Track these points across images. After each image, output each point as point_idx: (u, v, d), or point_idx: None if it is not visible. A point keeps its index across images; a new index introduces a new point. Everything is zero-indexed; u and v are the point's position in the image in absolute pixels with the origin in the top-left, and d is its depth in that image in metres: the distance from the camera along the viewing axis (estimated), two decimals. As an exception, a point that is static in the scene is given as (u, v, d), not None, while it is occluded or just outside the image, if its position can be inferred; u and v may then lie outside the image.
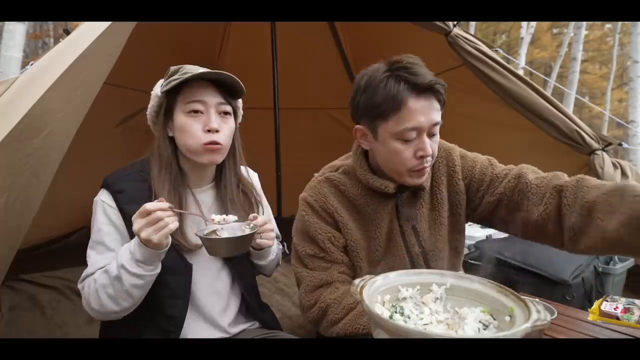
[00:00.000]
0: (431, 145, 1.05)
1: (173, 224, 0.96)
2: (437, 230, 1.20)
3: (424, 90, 1.01)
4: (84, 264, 1.07)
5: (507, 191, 1.10)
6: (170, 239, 1.00)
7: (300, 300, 1.17)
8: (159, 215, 0.93)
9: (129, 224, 1.05)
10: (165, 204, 0.95)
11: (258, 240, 1.13)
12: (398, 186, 1.13)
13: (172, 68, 1.10)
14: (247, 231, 1.06)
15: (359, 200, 1.16)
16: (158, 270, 1.02)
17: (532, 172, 1.12)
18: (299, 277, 1.18)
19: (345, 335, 1.06)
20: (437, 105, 1.04)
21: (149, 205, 0.93)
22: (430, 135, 1.06)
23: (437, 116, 1.04)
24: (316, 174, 1.25)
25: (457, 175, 1.19)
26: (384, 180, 1.12)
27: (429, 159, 1.06)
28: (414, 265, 1.18)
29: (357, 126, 1.13)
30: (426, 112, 1.01)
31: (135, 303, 1.03)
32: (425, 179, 1.12)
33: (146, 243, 0.94)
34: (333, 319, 1.08)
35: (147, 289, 1.02)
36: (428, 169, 1.10)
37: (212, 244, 1.02)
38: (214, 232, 1.06)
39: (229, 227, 1.08)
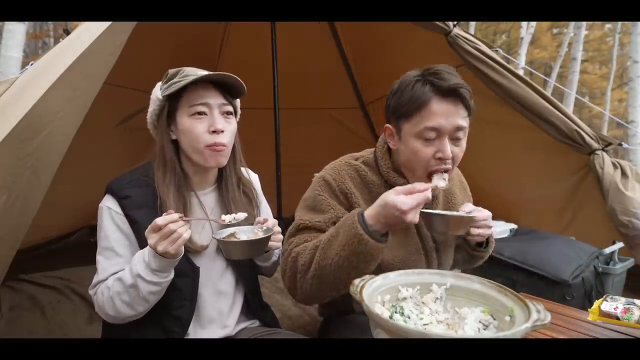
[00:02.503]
0: (453, 150, 1.07)
1: (186, 233, 0.97)
2: None
3: (448, 93, 1.04)
4: (84, 263, 1.08)
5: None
6: (183, 246, 1.00)
7: (280, 267, 1.16)
8: (171, 228, 0.94)
9: (135, 229, 1.06)
10: (175, 215, 0.95)
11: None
12: None
13: (171, 71, 1.10)
14: (260, 234, 1.06)
15: (377, 187, 1.18)
16: (172, 275, 1.03)
17: None
18: (286, 248, 1.15)
19: (321, 275, 1.01)
20: (462, 112, 1.06)
21: (159, 220, 0.94)
22: (453, 139, 1.07)
23: (460, 121, 1.05)
24: (317, 174, 1.25)
25: (467, 190, 1.38)
26: (404, 179, 1.16)
27: (449, 162, 1.08)
28: (427, 258, 1.21)
29: (387, 125, 1.17)
30: (448, 115, 1.04)
31: (150, 306, 1.04)
32: (446, 185, 1.11)
33: (164, 255, 0.95)
34: (303, 262, 1.05)
35: (162, 293, 1.03)
36: (446, 174, 1.10)
37: (230, 247, 1.03)
38: (232, 235, 1.07)
39: (242, 230, 1.09)
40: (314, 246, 1.05)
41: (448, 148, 1.05)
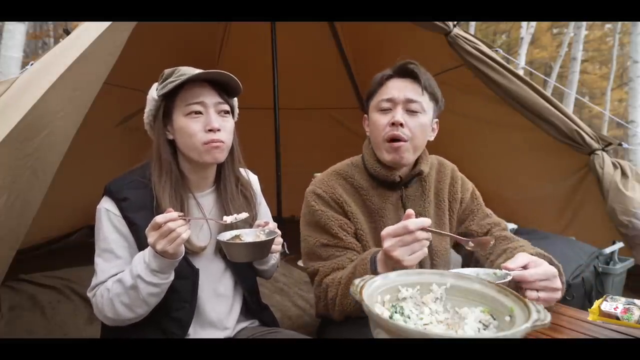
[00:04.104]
0: (408, 122, 1.14)
1: (185, 233, 0.96)
2: (441, 229, 1.26)
3: (400, 72, 1.18)
4: (84, 264, 1.08)
5: (479, 231, 1.26)
6: (183, 247, 1.00)
7: (314, 294, 1.20)
8: (170, 227, 0.93)
9: (134, 231, 1.05)
10: (175, 214, 0.94)
11: None
12: (402, 177, 1.20)
13: (167, 71, 1.09)
14: (263, 237, 1.05)
15: (365, 190, 1.21)
16: (172, 277, 1.02)
17: (501, 229, 1.27)
18: (312, 272, 1.18)
19: (345, 311, 1.07)
20: (416, 87, 1.16)
21: (159, 218, 0.93)
22: (408, 110, 1.15)
23: (413, 95, 1.16)
24: (317, 174, 1.26)
25: (458, 187, 1.31)
26: (386, 170, 1.20)
27: (404, 131, 1.14)
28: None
29: (364, 115, 1.28)
30: (401, 89, 1.16)
31: (150, 309, 1.03)
32: (403, 159, 1.16)
33: (163, 254, 0.95)
34: (331, 296, 1.10)
35: (162, 296, 1.03)
36: (405, 147, 1.14)
37: (234, 249, 1.01)
38: (236, 237, 1.06)
39: (244, 233, 1.08)
40: (338, 282, 1.09)
41: (399, 114, 1.14)
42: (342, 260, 1.14)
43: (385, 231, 0.89)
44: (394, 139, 1.14)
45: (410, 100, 1.15)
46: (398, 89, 1.16)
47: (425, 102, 1.17)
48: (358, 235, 1.18)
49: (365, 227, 1.18)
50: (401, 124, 1.13)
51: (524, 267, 0.93)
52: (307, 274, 1.22)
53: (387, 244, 0.87)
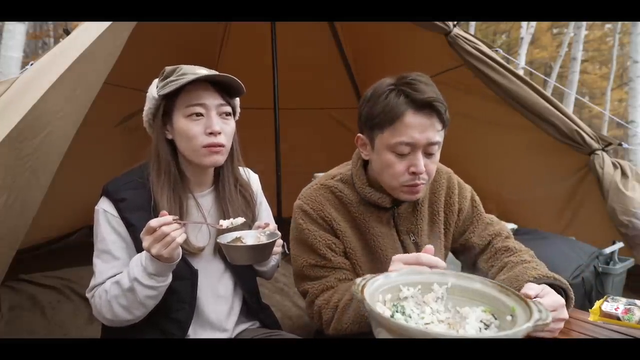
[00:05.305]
0: (427, 165, 1.04)
1: (180, 237, 0.95)
2: (436, 245, 1.21)
3: (423, 106, 1.00)
4: (84, 264, 1.08)
5: (479, 244, 1.23)
6: (180, 249, 0.99)
7: (307, 313, 1.19)
8: (164, 231, 0.92)
9: (132, 232, 1.05)
10: (169, 218, 0.93)
11: None
12: (394, 200, 1.13)
13: (168, 69, 1.07)
14: (263, 238, 1.04)
15: (356, 207, 1.15)
16: (170, 279, 1.01)
17: (503, 240, 1.22)
18: (303, 292, 1.17)
19: (340, 334, 1.06)
20: (437, 125, 1.02)
21: (153, 222, 0.92)
22: (427, 153, 1.04)
23: (435, 136, 1.02)
24: (317, 174, 1.25)
25: (455, 197, 1.23)
26: (380, 194, 1.12)
27: (424, 177, 1.05)
28: None
29: (359, 134, 1.13)
30: (423, 129, 1.00)
31: (148, 311, 1.03)
32: (418, 197, 1.10)
33: (158, 258, 0.94)
34: (326, 319, 1.08)
35: (160, 298, 1.02)
36: (422, 187, 1.07)
37: (235, 252, 1.00)
38: (237, 239, 1.05)
39: (245, 235, 1.07)
40: (334, 305, 1.07)
41: (422, 162, 1.02)
42: (330, 281, 1.12)
43: (398, 256, 0.90)
44: (414, 186, 1.06)
45: (431, 144, 1.02)
46: (419, 129, 1.00)
47: (441, 137, 1.05)
48: (347, 253, 1.15)
49: (356, 245, 1.14)
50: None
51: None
52: (299, 293, 1.20)
53: (394, 266, 0.88)
